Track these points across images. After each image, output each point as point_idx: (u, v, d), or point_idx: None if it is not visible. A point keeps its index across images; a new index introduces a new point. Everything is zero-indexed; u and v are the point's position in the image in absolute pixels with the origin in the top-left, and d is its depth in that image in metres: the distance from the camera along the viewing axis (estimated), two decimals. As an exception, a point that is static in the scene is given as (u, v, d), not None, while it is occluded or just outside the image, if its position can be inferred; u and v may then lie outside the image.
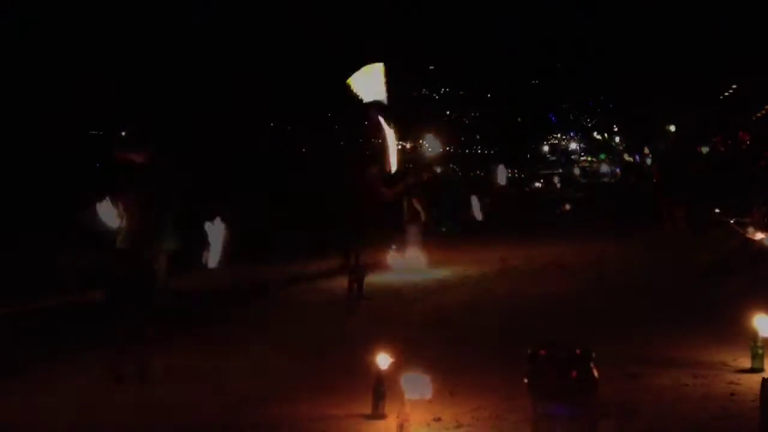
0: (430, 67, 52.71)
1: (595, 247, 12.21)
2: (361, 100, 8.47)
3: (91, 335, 6.63)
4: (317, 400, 5.24)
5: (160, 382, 5.69)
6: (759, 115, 29.78)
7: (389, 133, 8.84)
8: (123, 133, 8.92)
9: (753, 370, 5.20)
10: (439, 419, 4.67)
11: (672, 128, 43.23)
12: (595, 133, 61.02)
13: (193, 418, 4.94)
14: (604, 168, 52.92)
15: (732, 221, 13.07)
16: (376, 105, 8.64)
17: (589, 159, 59.89)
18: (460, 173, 38.28)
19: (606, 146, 55.05)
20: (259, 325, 7.94)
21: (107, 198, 5.81)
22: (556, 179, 42.10)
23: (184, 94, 30.80)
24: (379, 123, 8.75)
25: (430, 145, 15.61)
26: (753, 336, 5.30)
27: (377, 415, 4.80)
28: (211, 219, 7.69)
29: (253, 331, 7.66)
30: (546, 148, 63.76)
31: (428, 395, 4.50)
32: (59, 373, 6.21)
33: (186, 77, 31.03)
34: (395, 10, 39.83)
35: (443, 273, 10.68)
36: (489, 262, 11.39)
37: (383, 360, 4.90)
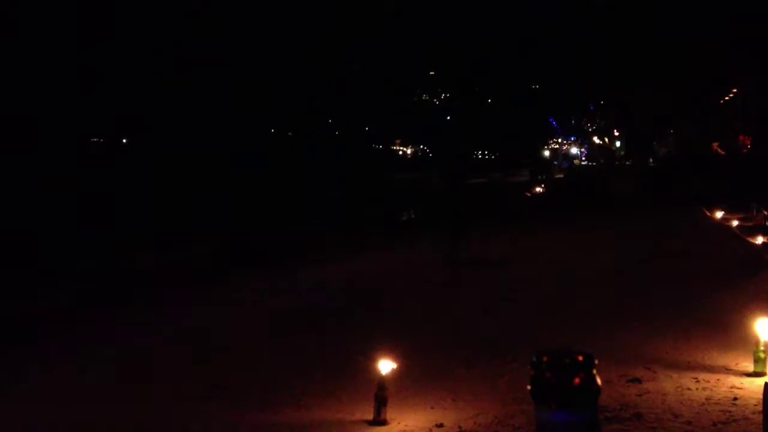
0: (431, 73, 52.87)
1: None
2: None
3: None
4: (320, 405, 5.24)
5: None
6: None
7: None
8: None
9: (755, 375, 5.18)
10: (441, 425, 4.66)
11: (672, 132, 43.32)
12: (595, 138, 61.14)
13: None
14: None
15: (734, 224, 13.07)
16: None
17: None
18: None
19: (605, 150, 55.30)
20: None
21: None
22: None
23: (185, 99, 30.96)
24: None
25: None
26: (755, 340, 5.29)
27: (379, 420, 4.79)
28: None
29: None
30: (547, 153, 63.91)
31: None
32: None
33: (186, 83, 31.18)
34: (396, 16, 39.93)
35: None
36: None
37: (385, 366, 4.89)
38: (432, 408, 5.02)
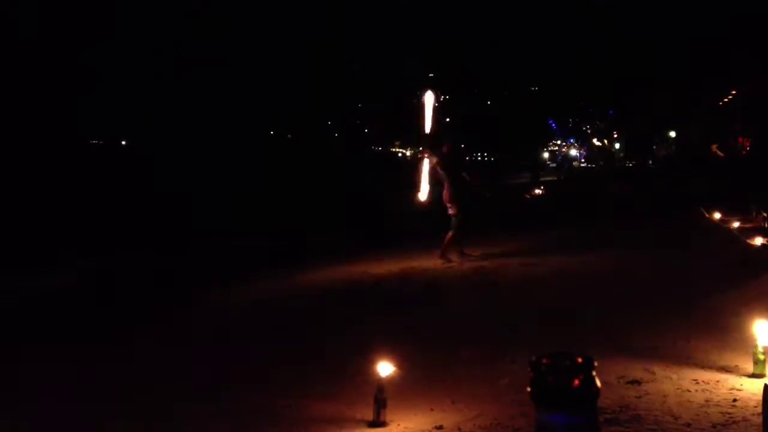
0: (430, 75, 52.91)
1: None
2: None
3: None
4: (319, 406, 5.23)
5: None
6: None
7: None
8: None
9: (755, 376, 5.19)
10: (441, 427, 4.66)
11: (672, 134, 43.36)
12: (594, 140, 61.22)
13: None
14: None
15: (733, 226, 13.07)
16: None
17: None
18: None
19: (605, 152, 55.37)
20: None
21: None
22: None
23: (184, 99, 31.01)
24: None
25: None
26: (755, 342, 5.29)
27: (378, 422, 4.79)
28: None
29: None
30: (546, 155, 64.01)
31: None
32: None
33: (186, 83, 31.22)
34: (396, 18, 39.99)
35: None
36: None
37: (384, 368, 4.89)
38: (432, 410, 5.02)
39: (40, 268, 12.31)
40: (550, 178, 35.43)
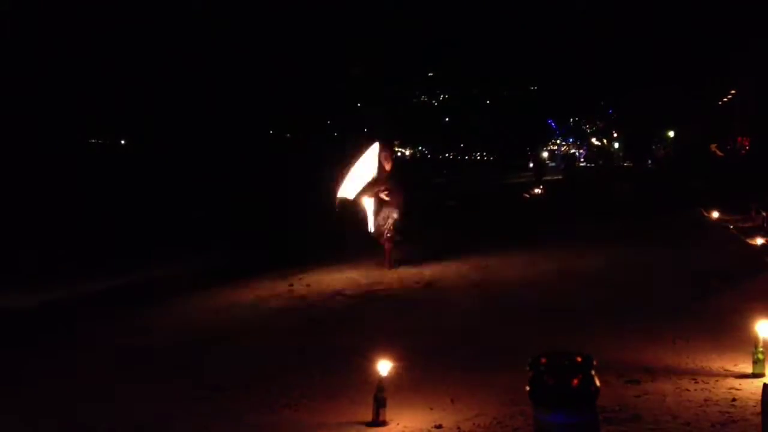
0: (429, 74, 52.90)
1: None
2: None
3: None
4: (318, 406, 5.23)
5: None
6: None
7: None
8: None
9: (754, 376, 5.19)
10: (440, 426, 4.66)
11: (671, 134, 43.35)
12: (594, 140, 61.23)
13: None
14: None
15: (733, 226, 13.08)
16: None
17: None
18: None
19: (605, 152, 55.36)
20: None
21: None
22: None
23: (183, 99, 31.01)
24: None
25: None
26: (754, 341, 5.29)
27: (378, 422, 4.79)
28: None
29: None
30: (545, 154, 64.00)
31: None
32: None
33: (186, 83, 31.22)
34: (396, 17, 39.97)
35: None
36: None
37: (384, 367, 4.89)
38: (431, 409, 5.02)
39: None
40: (551, 178, 35.32)
